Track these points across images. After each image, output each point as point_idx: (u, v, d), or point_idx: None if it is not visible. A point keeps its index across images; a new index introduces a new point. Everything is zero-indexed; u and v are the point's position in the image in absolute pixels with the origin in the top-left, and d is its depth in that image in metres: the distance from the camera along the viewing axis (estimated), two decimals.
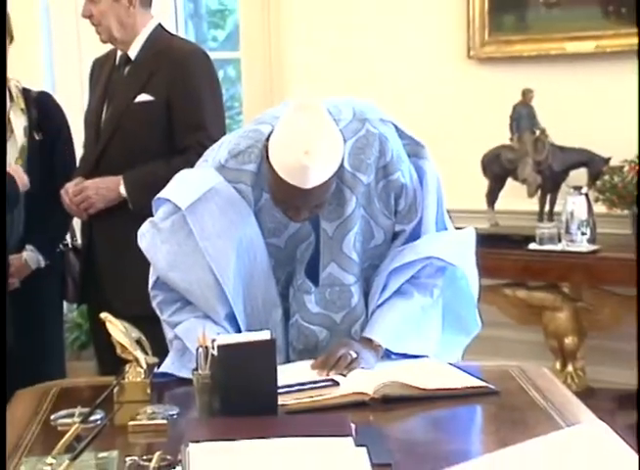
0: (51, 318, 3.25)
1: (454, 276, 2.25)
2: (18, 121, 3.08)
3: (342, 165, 2.00)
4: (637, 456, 1.55)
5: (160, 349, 2.12)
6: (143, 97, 3.00)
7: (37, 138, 3.11)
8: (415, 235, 2.19)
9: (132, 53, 3.07)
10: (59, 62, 4.67)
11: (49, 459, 1.57)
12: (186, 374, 2.02)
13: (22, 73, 3.29)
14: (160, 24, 3.13)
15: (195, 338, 1.94)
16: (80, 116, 3.26)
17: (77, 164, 3.21)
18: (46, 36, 4.66)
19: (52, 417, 1.86)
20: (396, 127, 2.16)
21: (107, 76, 3.14)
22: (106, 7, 3.01)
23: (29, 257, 3.08)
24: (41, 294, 3.14)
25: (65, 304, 3.46)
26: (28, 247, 3.09)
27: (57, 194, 3.04)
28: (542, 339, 3.73)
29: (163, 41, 3.09)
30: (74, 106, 3.74)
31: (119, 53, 3.11)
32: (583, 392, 3.54)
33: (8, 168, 2.96)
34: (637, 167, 3.51)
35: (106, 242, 3.08)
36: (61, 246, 3.25)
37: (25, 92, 3.14)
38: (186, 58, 3.04)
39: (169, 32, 3.23)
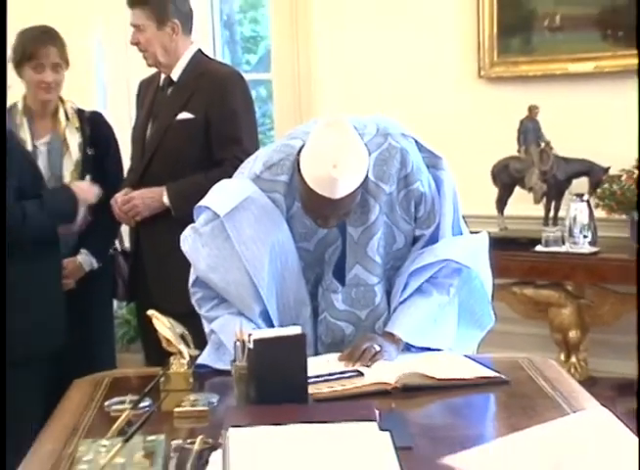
0: (103, 315, 3.27)
1: (469, 276, 2.24)
2: (73, 138, 3.10)
3: (366, 177, 2.00)
4: (637, 439, 1.55)
5: (201, 342, 2.13)
6: (184, 115, 3.02)
7: (90, 153, 3.13)
8: (433, 239, 2.19)
9: (175, 75, 3.08)
10: (110, 84, 4.70)
11: (104, 442, 1.58)
12: (221, 366, 2.03)
13: (78, 95, 3.32)
14: (199, 50, 3.15)
15: (229, 333, 1.96)
16: (128, 132, 3.28)
17: (125, 175, 3.24)
18: (99, 62, 4.69)
19: (105, 404, 1.87)
20: (416, 141, 2.16)
21: (152, 97, 3.16)
22: (151, 35, 3.03)
23: (83, 259, 3.10)
24: (94, 293, 3.16)
25: (115, 302, 3.48)
26: (82, 251, 3.11)
27: (107, 203, 3.06)
28: (548, 333, 3.71)
29: (203, 64, 3.11)
30: (123, 124, 3.77)
31: (163, 75, 3.13)
32: (586, 381, 3.51)
33: (74, 185, 2.94)
34: (634, 176, 3.49)
35: (151, 246, 3.10)
36: (111, 250, 3.27)
37: (80, 112, 3.16)
38: (223, 79, 3.05)
39: (208, 56, 3.25)
